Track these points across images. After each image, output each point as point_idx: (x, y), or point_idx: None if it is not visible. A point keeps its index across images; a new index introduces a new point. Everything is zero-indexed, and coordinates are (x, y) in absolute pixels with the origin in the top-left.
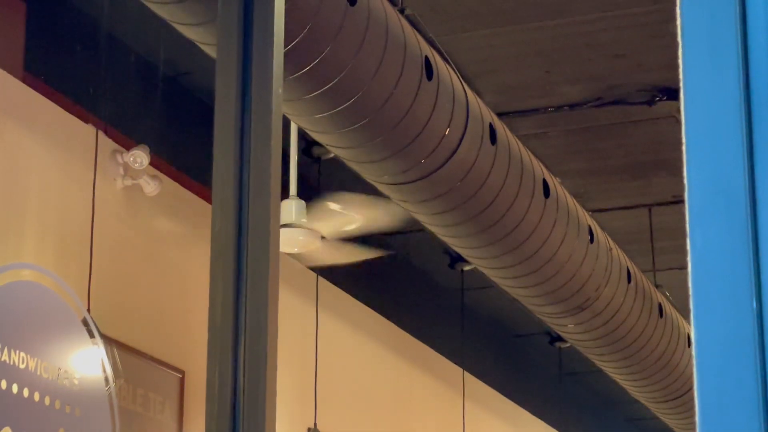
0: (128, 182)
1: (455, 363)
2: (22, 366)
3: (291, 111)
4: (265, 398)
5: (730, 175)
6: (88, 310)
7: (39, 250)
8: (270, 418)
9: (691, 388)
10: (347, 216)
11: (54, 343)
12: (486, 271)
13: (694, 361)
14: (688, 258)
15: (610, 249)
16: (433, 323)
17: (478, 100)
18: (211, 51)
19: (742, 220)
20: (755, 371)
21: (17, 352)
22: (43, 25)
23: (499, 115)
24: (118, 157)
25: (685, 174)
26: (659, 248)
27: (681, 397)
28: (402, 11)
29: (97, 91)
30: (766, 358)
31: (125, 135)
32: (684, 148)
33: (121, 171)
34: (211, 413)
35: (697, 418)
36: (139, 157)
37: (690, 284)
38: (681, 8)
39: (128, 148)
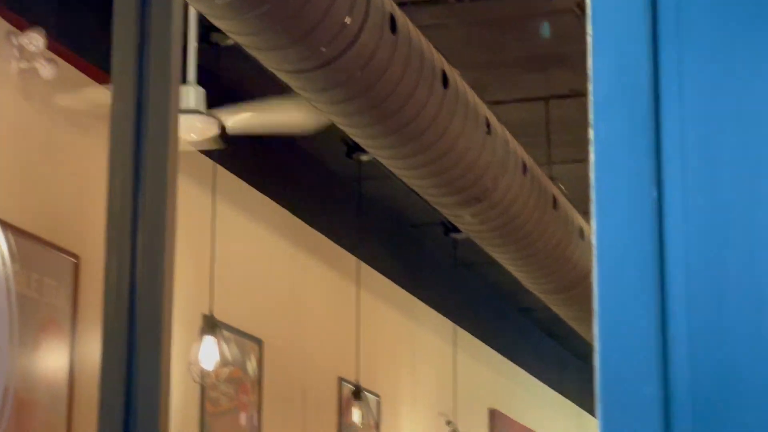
0: (24, 65)
1: (351, 252)
2: None
3: None
4: (162, 286)
5: (634, 68)
6: None
7: None
8: (167, 306)
9: (583, 280)
10: (249, 109)
11: None
12: (384, 162)
13: (594, 251)
14: (591, 150)
15: (507, 141)
16: (330, 213)
17: None
18: None
19: (645, 113)
20: (654, 261)
21: None
22: None
23: (400, 5)
24: (13, 39)
25: (589, 66)
26: (555, 141)
27: (573, 289)
28: None
29: None
30: (665, 247)
31: (20, 16)
32: (589, 39)
33: (16, 53)
34: (109, 300)
35: (595, 308)
36: (35, 39)
37: (592, 176)
38: None
39: (23, 29)
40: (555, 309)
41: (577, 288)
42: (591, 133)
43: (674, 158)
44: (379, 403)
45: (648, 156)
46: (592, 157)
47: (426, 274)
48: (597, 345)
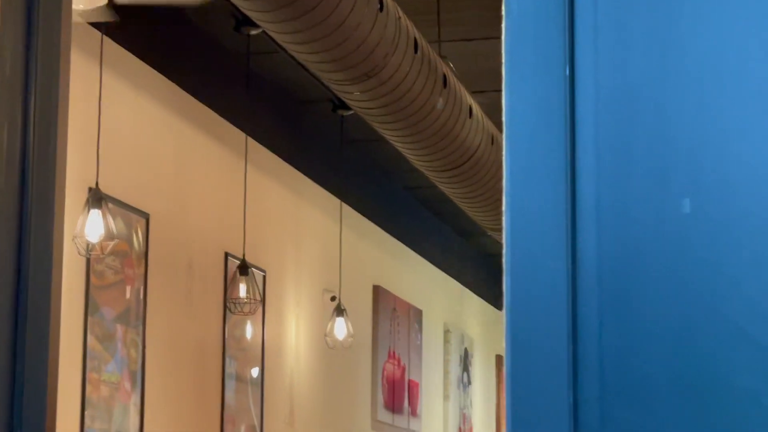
0: None
1: (239, 128)
2: None
3: None
4: (55, 158)
5: None
6: None
7: None
8: (60, 177)
9: (470, 158)
10: None
11: None
12: (274, 36)
13: (504, 128)
14: (503, 25)
15: (399, 18)
16: (219, 87)
17: None
18: None
19: None
20: (564, 137)
21: None
22: None
23: None
24: None
25: None
26: (445, 20)
27: (460, 167)
28: None
29: None
30: (576, 124)
31: None
32: None
33: None
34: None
35: (504, 184)
36: None
37: (503, 51)
38: None
39: None
40: (441, 187)
41: (464, 166)
42: (503, 10)
43: (587, 37)
44: (264, 279)
45: (561, 33)
46: (504, 34)
47: (313, 151)
48: (506, 219)
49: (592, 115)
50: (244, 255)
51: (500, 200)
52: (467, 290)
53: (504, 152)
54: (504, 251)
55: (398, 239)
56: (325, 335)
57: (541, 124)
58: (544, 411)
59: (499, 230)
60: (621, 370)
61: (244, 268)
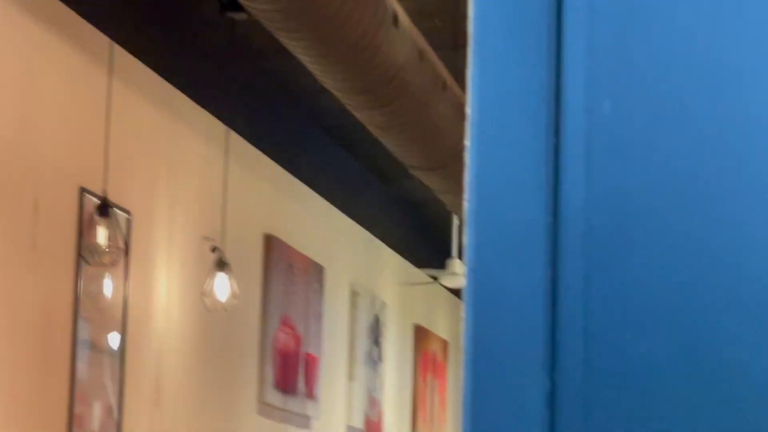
0: None
1: (102, 31)
2: None
3: None
4: None
5: None
6: None
7: None
8: None
9: (394, 77)
10: None
11: None
12: None
13: (469, 30)
14: None
15: None
16: None
17: None
18: None
19: None
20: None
21: None
22: None
23: None
24: None
25: None
26: None
27: (382, 88)
28: None
29: None
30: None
31: None
32: None
33: None
34: None
35: (468, 109)
36: None
37: None
38: None
39: None
40: (356, 113)
41: (387, 87)
42: None
43: None
44: (129, 222)
45: None
46: None
47: (195, 63)
48: (470, 154)
49: (585, 23)
50: (105, 192)
51: (430, 132)
52: (382, 244)
53: (469, 65)
54: (466, 197)
55: (298, 178)
56: (203, 295)
57: (518, 28)
58: (513, 400)
59: (428, 170)
60: (611, 348)
61: (104, 208)
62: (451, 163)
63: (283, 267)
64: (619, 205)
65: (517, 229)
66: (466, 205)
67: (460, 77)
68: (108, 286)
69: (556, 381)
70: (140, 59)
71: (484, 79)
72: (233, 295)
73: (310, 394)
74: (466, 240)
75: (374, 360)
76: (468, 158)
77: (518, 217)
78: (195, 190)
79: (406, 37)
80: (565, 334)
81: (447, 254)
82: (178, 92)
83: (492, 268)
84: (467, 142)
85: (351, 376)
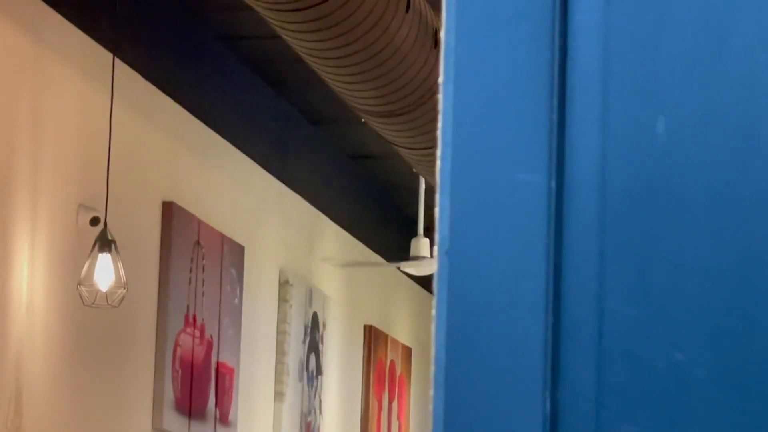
0: None
1: None
2: None
3: None
4: None
5: None
6: None
7: None
8: None
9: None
10: None
11: None
12: None
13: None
14: None
15: None
16: None
17: None
18: None
19: None
20: None
21: None
22: None
23: None
24: None
25: None
26: None
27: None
28: None
29: None
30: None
31: None
32: None
33: None
34: None
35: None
36: None
37: None
38: None
39: None
40: (287, 36)
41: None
42: None
43: None
44: None
45: None
46: None
47: None
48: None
49: None
50: None
51: (388, 63)
52: (324, 218)
53: None
54: (439, 153)
55: (210, 126)
56: (79, 284)
57: None
58: (501, 428)
59: (386, 116)
60: (632, 359)
61: None
62: (416, 107)
63: (189, 246)
64: (647, 163)
65: (507, 197)
66: (438, 164)
67: None
68: None
69: (558, 402)
70: None
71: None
72: (119, 284)
73: (224, 419)
74: (437, 212)
75: (311, 373)
76: (442, 99)
77: (509, 180)
78: (69, 141)
79: None
80: (572, 340)
81: (411, 232)
82: (46, 7)
83: (474, 250)
84: (441, 78)
85: (279, 395)
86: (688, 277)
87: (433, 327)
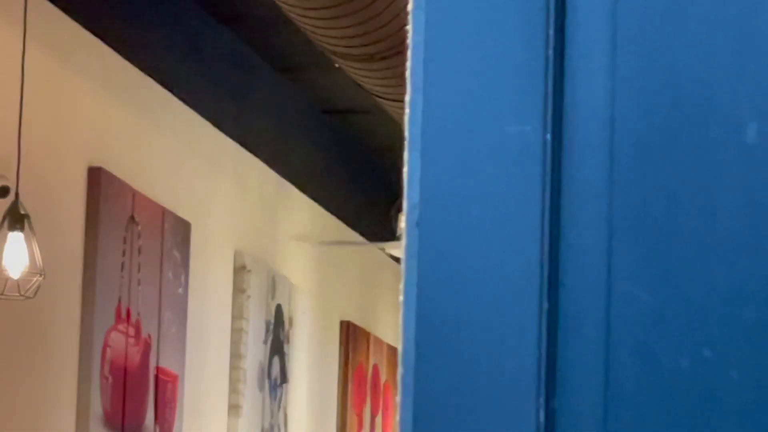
0: None
1: None
2: None
3: None
4: None
5: None
6: None
7: None
8: None
9: None
10: None
11: None
12: None
13: None
14: None
15: None
16: None
17: None
18: None
19: None
20: None
21: None
22: None
23: None
24: None
25: None
26: None
27: None
28: None
29: None
30: None
31: None
32: None
33: None
34: None
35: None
36: None
37: None
38: None
39: None
40: None
41: None
42: None
43: None
44: None
45: None
46: None
47: None
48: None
49: None
50: None
51: (365, 1)
52: (291, 187)
53: None
54: (408, 99)
55: (145, 72)
56: None
57: None
58: None
59: (363, 59)
60: (645, 357)
61: None
62: (403, 49)
63: (121, 223)
64: (667, 110)
65: (492, 154)
66: (407, 113)
67: None
68: None
69: (555, 412)
70: None
71: None
72: (35, 270)
73: None
74: (406, 174)
75: (274, 380)
76: (411, 32)
77: (495, 132)
78: None
79: None
80: (573, 333)
81: (396, 204)
82: None
83: (450, 220)
84: (410, 4)
85: (234, 408)
86: (717, 253)
87: (400, 318)
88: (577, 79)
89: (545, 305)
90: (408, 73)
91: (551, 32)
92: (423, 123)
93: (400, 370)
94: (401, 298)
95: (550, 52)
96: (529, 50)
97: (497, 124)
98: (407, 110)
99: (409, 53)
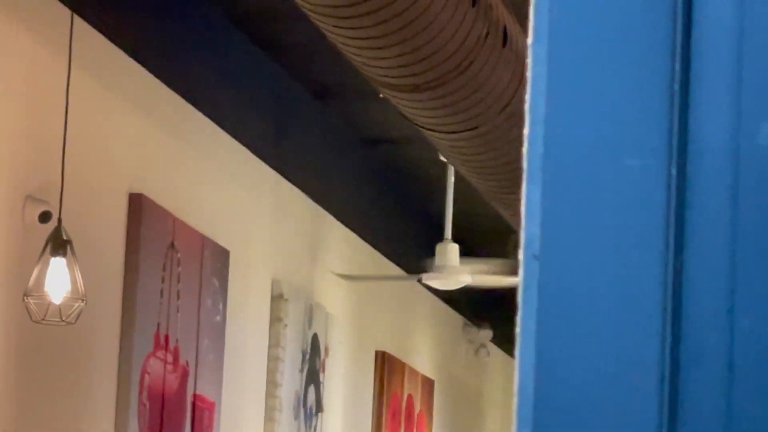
0: None
1: None
2: None
3: None
4: None
5: None
6: None
7: None
8: None
9: None
10: None
11: None
12: None
13: None
14: None
15: None
16: None
17: None
18: None
19: None
20: None
21: None
22: None
23: None
24: None
25: None
26: None
27: None
28: None
29: None
30: None
31: None
32: None
33: None
34: None
35: None
36: None
37: None
38: None
39: None
40: None
41: None
42: None
43: None
44: None
45: None
46: None
47: None
48: (536, 34)
49: None
50: None
51: (414, 20)
52: (328, 216)
53: None
54: (527, 133)
55: (188, 100)
56: (26, 294)
57: None
58: None
59: (409, 89)
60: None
61: None
62: (448, 80)
63: (161, 249)
64: None
65: (614, 187)
66: (526, 146)
67: None
68: None
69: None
70: None
71: None
72: (77, 296)
73: None
74: (524, 206)
75: (309, 409)
76: (531, 64)
77: (617, 166)
78: (16, 115)
79: None
80: (695, 370)
81: (437, 235)
82: None
83: (570, 253)
84: (530, 38)
85: None
86: None
87: (516, 352)
88: (703, 112)
89: (668, 339)
90: (527, 107)
91: (677, 66)
92: (544, 156)
93: (515, 401)
94: (518, 329)
95: (676, 85)
96: (653, 83)
97: (620, 157)
98: (526, 144)
99: (528, 87)
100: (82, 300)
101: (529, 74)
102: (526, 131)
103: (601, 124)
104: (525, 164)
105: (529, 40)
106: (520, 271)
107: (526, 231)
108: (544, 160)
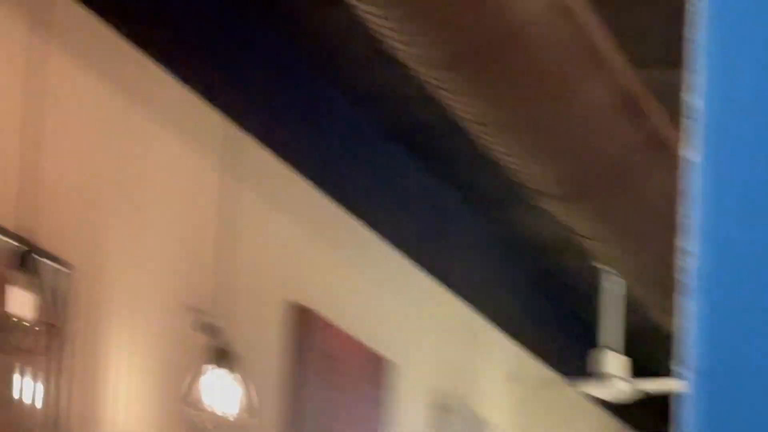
0: None
1: None
2: None
3: None
4: None
5: None
6: None
7: None
8: None
9: (511, 37)
10: None
11: None
12: None
13: None
14: None
15: None
16: None
17: None
18: None
19: None
20: None
21: None
22: None
23: None
24: None
25: None
26: None
27: (487, 51)
28: None
29: None
30: None
31: None
32: None
33: None
34: None
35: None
36: None
37: None
38: None
39: None
40: (448, 100)
41: (502, 50)
42: None
43: None
44: (68, 280)
45: None
46: None
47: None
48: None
49: None
50: (33, 235)
51: (573, 132)
52: (489, 327)
53: None
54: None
55: (348, 210)
56: (185, 404)
57: None
58: None
59: (568, 198)
60: None
61: (27, 255)
62: (600, 190)
63: (321, 360)
64: None
65: None
66: (695, 250)
67: (627, 39)
68: (28, 388)
69: None
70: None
71: None
72: (247, 407)
73: None
74: (692, 307)
75: None
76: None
77: None
78: (176, 227)
79: None
80: None
81: (592, 342)
82: (152, 65)
83: (746, 371)
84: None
85: None
86: None
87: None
88: None
89: None
90: (687, 194)
91: None
92: (713, 261)
93: None
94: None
95: None
96: None
97: None
98: (686, 255)
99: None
100: (252, 414)
101: (686, 186)
102: (685, 243)
103: None
104: (687, 267)
105: (688, 153)
106: (682, 388)
107: (693, 343)
108: (713, 267)
